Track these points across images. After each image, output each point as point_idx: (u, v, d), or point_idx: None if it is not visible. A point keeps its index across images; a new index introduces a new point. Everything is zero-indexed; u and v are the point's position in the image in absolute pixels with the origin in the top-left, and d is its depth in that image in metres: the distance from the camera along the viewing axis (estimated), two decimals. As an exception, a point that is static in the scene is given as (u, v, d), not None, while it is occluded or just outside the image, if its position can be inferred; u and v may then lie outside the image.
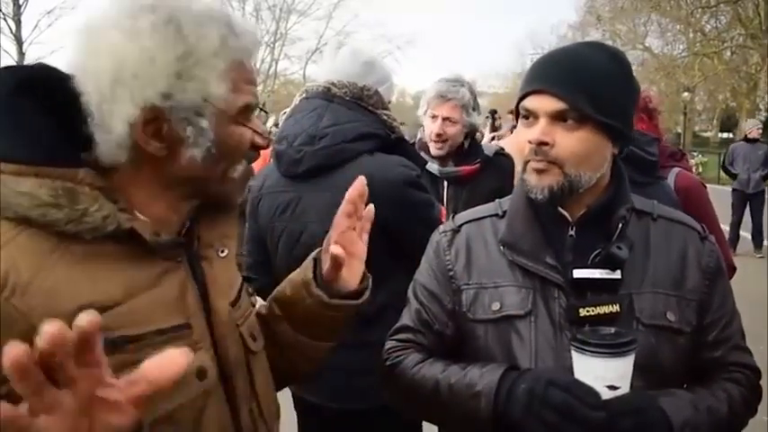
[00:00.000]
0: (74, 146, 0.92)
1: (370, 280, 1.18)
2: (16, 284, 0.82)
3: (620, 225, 1.19)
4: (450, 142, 2.51)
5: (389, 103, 1.99)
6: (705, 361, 1.23)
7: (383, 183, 1.73)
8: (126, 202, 0.93)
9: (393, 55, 29.78)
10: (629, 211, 1.22)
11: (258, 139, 1.02)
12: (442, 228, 1.36)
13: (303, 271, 1.16)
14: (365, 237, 1.16)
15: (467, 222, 1.32)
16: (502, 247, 1.24)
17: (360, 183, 1.13)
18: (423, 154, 2.54)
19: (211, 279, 1.02)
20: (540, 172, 1.17)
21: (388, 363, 1.29)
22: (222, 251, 1.05)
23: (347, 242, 1.12)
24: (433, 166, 2.53)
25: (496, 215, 1.30)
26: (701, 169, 20.27)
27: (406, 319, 1.33)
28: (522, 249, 1.22)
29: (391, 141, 1.88)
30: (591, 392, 1.03)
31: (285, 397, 2.07)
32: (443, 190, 2.57)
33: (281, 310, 1.18)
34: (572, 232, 1.21)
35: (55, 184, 0.87)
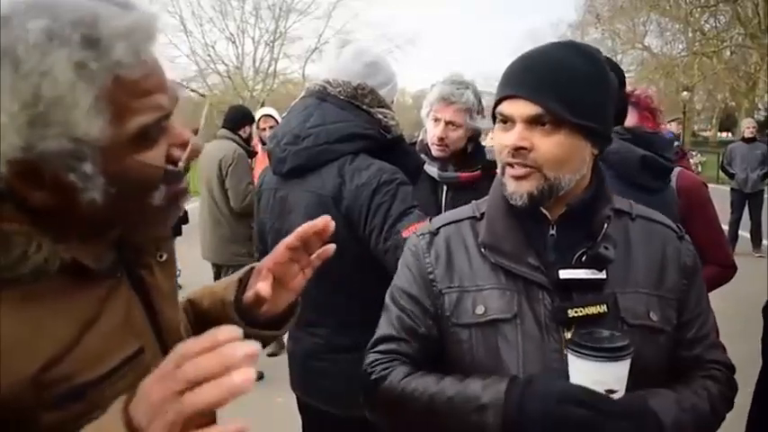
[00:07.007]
0: None
1: (298, 309, 1.12)
2: None
3: (605, 225, 1.19)
4: (452, 147, 2.45)
5: (392, 102, 1.94)
6: (683, 359, 1.24)
7: (355, 188, 1.73)
8: (57, 228, 0.79)
9: (393, 54, 29.79)
10: (612, 211, 1.22)
11: (176, 152, 0.84)
12: (419, 231, 1.34)
13: (225, 288, 1.08)
14: (309, 272, 1.09)
15: (445, 225, 1.31)
16: (483, 249, 1.23)
17: (322, 221, 1.05)
18: (423, 156, 2.48)
19: (155, 288, 0.93)
20: (518, 178, 1.16)
21: (373, 377, 1.23)
22: (161, 255, 0.96)
23: (285, 274, 1.07)
24: (432, 170, 2.47)
25: (474, 218, 1.29)
26: (699, 169, 20.26)
27: (387, 328, 1.28)
28: (504, 251, 1.21)
29: (386, 142, 1.84)
30: (602, 399, 1.02)
31: (292, 401, 2.07)
32: (442, 194, 2.50)
33: (195, 319, 1.09)
34: (553, 231, 1.21)
35: None
